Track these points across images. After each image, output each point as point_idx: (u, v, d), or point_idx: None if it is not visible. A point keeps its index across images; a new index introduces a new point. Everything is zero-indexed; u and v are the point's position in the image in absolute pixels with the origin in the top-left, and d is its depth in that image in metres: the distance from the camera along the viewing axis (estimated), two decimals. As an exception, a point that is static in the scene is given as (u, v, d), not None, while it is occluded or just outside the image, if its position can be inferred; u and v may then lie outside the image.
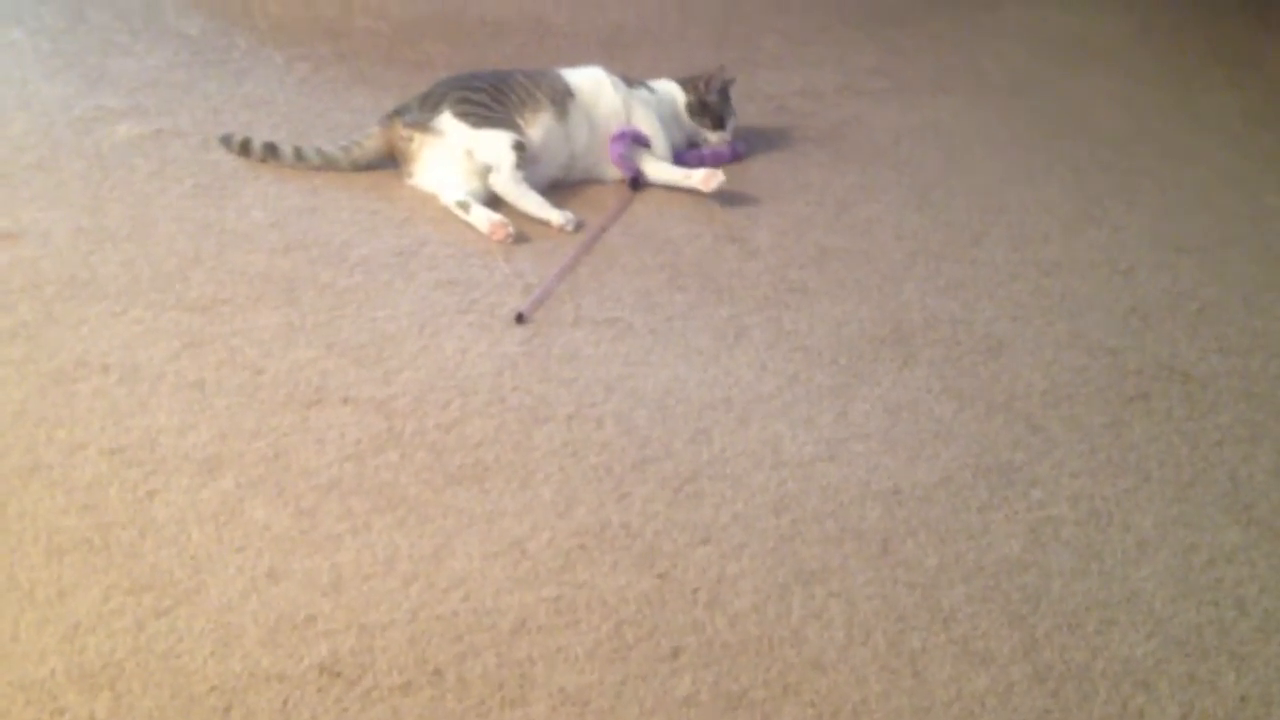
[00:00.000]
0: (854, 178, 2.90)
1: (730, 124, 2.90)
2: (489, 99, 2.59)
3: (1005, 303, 2.43)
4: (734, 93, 2.94)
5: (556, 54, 3.46)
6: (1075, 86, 3.62)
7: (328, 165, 2.65)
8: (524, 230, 2.50)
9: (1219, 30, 4.25)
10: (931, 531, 1.81)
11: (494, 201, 2.54)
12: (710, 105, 2.87)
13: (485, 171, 2.55)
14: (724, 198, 2.72)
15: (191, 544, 1.66)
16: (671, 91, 2.89)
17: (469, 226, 2.49)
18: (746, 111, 3.05)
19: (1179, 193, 2.96)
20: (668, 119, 2.83)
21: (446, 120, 2.57)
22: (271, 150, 2.66)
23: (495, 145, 2.55)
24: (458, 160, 2.56)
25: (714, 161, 2.81)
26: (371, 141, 2.65)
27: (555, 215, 2.53)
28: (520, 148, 2.56)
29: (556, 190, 2.64)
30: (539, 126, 2.62)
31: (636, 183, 2.72)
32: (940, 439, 2.01)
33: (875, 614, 1.66)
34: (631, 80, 2.84)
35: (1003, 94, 3.51)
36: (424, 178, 2.60)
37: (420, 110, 2.60)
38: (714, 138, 2.88)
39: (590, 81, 2.75)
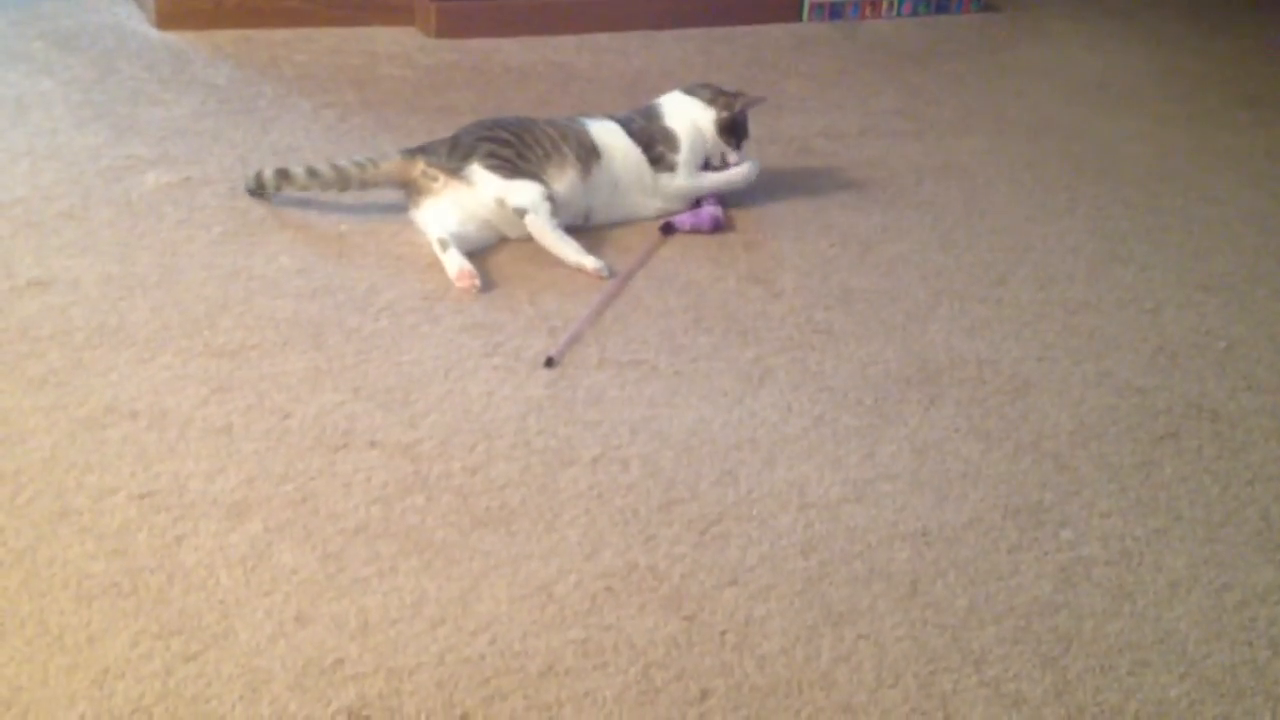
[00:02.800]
0: (877, 218, 2.90)
1: (745, 144, 2.86)
2: (515, 154, 2.61)
3: (1031, 342, 2.42)
4: (756, 128, 2.92)
5: (580, 99, 3.48)
6: (1098, 127, 3.62)
7: (339, 179, 2.64)
8: (548, 274, 2.52)
9: (1243, 71, 4.25)
10: (961, 572, 1.80)
11: (487, 252, 2.55)
12: (739, 124, 2.83)
13: (515, 218, 2.56)
14: (747, 240, 2.73)
15: (220, 588, 1.66)
16: (687, 109, 2.84)
17: (441, 266, 2.49)
18: (770, 154, 3.06)
19: (1204, 231, 2.96)
20: (696, 144, 2.81)
21: (476, 171, 2.59)
22: (284, 176, 2.67)
23: (528, 190, 2.57)
24: (479, 207, 2.58)
25: (693, 223, 2.75)
26: (388, 166, 2.65)
27: (589, 261, 2.54)
28: (549, 197, 2.58)
29: (577, 234, 2.64)
30: (563, 182, 2.64)
31: (669, 229, 2.73)
32: (968, 479, 2.01)
33: (905, 656, 1.64)
34: (642, 112, 2.84)
35: (1025, 134, 3.51)
36: (429, 214, 2.60)
37: (449, 157, 2.62)
38: (732, 157, 2.84)
39: (617, 139, 2.76)
